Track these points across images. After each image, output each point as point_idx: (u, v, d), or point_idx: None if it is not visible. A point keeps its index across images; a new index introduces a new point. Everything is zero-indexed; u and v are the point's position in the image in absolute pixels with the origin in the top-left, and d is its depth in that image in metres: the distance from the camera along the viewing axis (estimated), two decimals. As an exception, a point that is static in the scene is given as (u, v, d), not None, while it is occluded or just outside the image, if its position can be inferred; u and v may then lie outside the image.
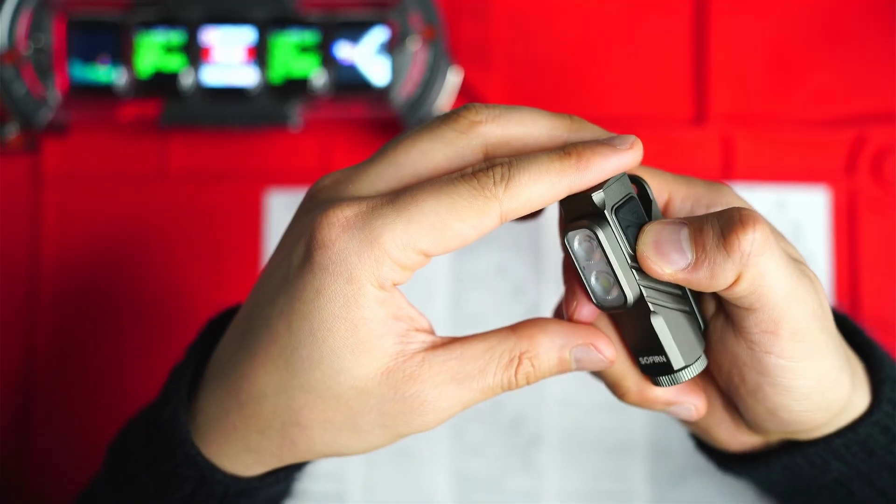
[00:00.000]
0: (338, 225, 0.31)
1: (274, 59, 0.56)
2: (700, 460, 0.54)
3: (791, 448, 0.37)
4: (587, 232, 0.32)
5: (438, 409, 0.32)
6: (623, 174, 0.32)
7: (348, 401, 0.32)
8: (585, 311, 0.34)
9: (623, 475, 0.55)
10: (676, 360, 0.33)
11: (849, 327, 0.39)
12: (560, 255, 0.37)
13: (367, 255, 0.31)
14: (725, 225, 0.31)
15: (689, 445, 0.55)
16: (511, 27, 0.59)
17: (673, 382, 0.34)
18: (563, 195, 0.32)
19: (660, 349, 0.33)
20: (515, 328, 0.34)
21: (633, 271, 0.32)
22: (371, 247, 0.31)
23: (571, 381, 0.56)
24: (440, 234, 0.31)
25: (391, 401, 0.32)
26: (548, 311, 0.56)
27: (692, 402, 0.36)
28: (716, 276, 0.31)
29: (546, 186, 0.31)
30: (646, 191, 0.33)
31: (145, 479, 0.35)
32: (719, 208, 0.34)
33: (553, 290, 0.56)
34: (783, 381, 0.33)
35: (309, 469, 0.41)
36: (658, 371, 0.34)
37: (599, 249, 0.32)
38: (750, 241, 0.31)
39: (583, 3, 0.59)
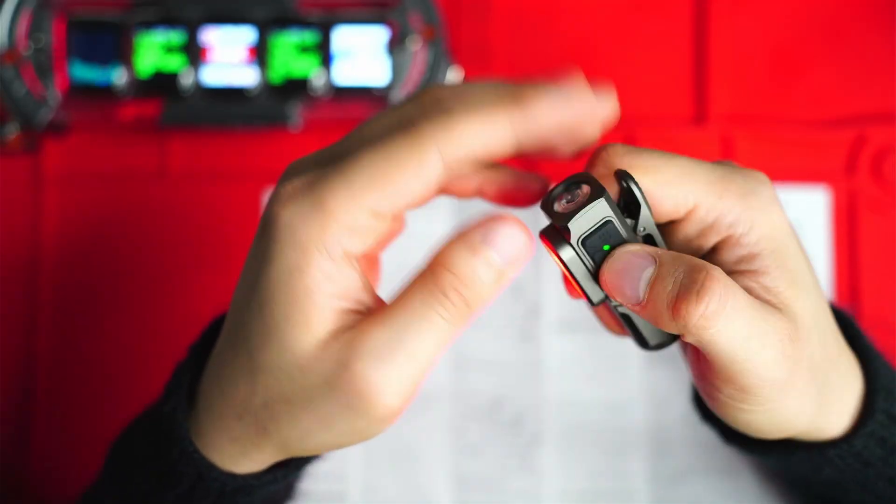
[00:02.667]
0: (285, 196, 0.31)
1: (274, 59, 0.56)
2: (700, 460, 0.54)
3: (787, 445, 0.37)
4: (550, 251, 0.33)
5: (389, 376, 0.30)
6: (600, 198, 0.32)
7: (298, 380, 0.31)
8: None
9: (623, 475, 0.55)
10: (651, 342, 0.36)
11: (851, 332, 0.38)
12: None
13: (313, 220, 0.30)
14: (684, 287, 0.30)
15: (689, 446, 0.55)
16: (511, 27, 0.59)
17: (661, 347, 0.36)
18: (508, 140, 0.31)
19: (633, 333, 0.35)
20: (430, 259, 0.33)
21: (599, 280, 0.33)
22: (317, 210, 0.30)
23: (571, 382, 0.56)
24: (382, 187, 0.30)
25: (338, 376, 0.30)
26: (548, 311, 0.56)
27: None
28: (659, 325, 0.31)
29: (485, 125, 0.30)
30: (634, 195, 0.33)
31: (145, 475, 0.35)
32: (741, 229, 0.33)
33: (553, 290, 0.56)
34: (729, 412, 0.33)
35: (309, 469, 0.41)
36: (641, 343, 0.36)
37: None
38: (697, 315, 0.30)
39: (583, 4, 0.59)
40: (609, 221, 0.32)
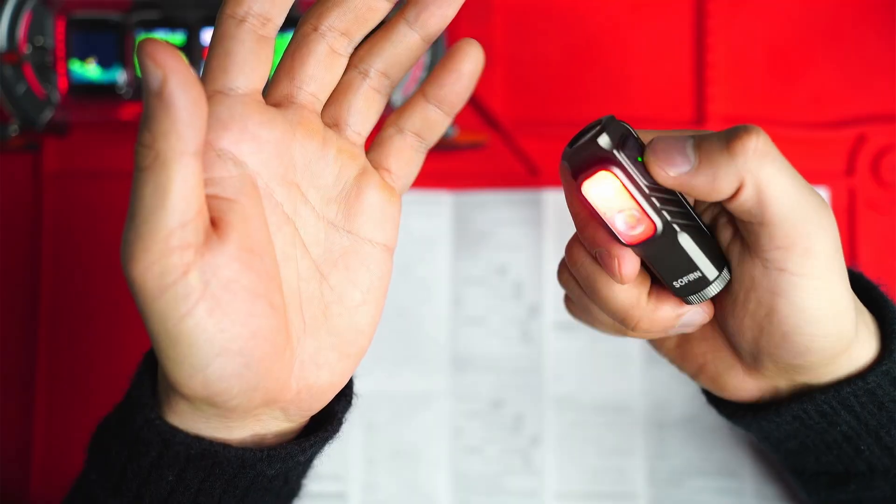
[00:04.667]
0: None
1: (274, 60, 0.56)
2: (700, 460, 0.54)
3: (801, 396, 0.37)
4: (604, 174, 0.33)
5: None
6: (611, 117, 0.33)
7: None
8: (629, 262, 0.35)
9: (623, 475, 0.55)
10: (710, 271, 0.35)
11: (864, 283, 0.39)
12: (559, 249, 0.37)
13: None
14: (731, 133, 0.32)
15: (689, 446, 0.55)
16: (511, 27, 0.59)
17: (702, 299, 0.36)
18: None
19: (692, 266, 0.35)
20: None
21: (654, 199, 0.34)
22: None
23: (571, 382, 0.56)
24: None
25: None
26: (548, 311, 0.56)
27: (702, 307, 0.37)
28: (718, 180, 0.32)
29: None
30: (629, 131, 0.35)
31: (119, 447, 0.35)
32: None
33: (553, 290, 0.56)
34: (797, 299, 0.33)
35: (311, 470, 0.41)
36: (693, 289, 0.36)
37: (619, 188, 0.33)
38: (753, 144, 0.31)
39: (583, 4, 0.59)
40: (629, 134, 0.34)
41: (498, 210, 0.57)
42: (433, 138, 0.37)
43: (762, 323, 0.35)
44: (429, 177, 0.57)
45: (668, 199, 0.34)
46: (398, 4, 0.36)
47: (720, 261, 0.35)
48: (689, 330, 0.37)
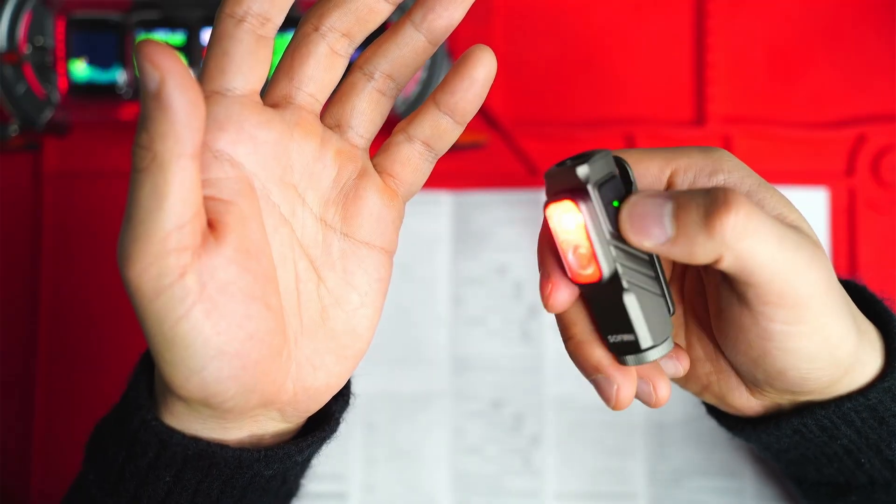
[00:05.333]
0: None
1: (274, 60, 0.56)
2: (700, 460, 0.54)
3: (802, 411, 0.37)
4: (569, 205, 0.32)
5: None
6: (607, 153, 0.33)
7: None
8: (563, 294, 0.34)
9: (623, 475, 0.55)
10: (645, 340, 0.33)
11: (867, 296, 0.39)
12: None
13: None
14: (710, 205, 0.31)
15: (689, 446, 0.55)
16: (511, 27, 0.59)
17: (639, 362, 0.34)
18: None
19: (629, 328, 0.33)
20: None
21: (611, 248, 0.32)
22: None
23: (571, 382, 0.56)
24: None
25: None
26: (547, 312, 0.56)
27: (623, 382, 0.34)
28: (694, 254, 0.31)
29: None
30: (627, 173, 0.34)
31: (117, 448, 0.35)
32: (723, 176, 0.34)
33: (553, 291, 0.56)
34: (789, 344, 0.33)
35: (310, 470, 0.41)
36: (625, 350, 0.34)
37: (580, 223, 0.32)
38: (732, 222, 0.30)
39: (584, 5, 0.59)
40: (615, 176, 0.33)
41: (498, 210, 0.57)
42: (442, 147, 0.37)
43: (756, 361, 0.34)
44: (429, 177, 0.57)
45: (632, 253, 0.33)
46: (400, 7, 0.35)
47: (663, 332, 0.34)
48: (601, 395, 0.35)
